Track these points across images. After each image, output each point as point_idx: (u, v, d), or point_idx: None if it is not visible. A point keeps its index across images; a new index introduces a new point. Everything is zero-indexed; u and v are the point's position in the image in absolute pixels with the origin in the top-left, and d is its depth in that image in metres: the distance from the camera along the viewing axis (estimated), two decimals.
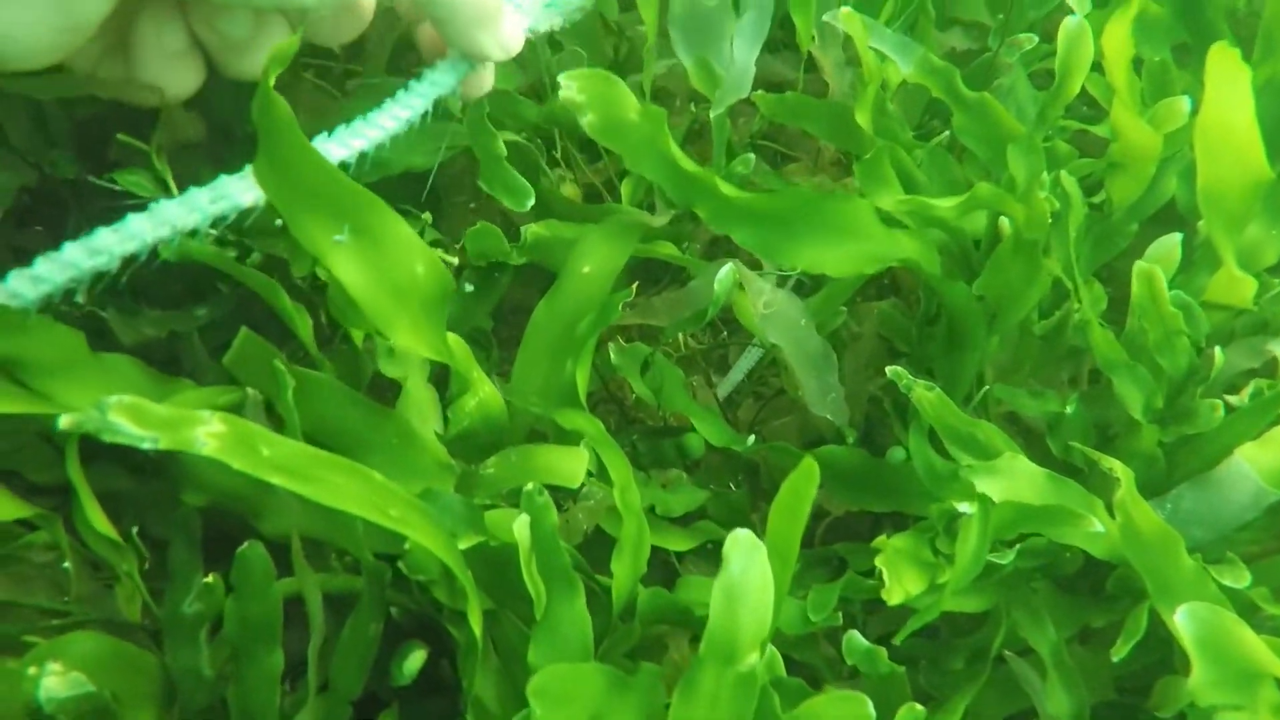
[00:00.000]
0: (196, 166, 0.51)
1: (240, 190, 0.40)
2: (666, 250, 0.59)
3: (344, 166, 0.42)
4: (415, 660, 0.47)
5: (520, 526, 0.41)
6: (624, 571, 0.46)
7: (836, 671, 0.54)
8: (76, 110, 0.53)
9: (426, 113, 0.46)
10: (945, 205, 0.51)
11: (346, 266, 0.42)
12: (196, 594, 0.46)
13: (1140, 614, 0.50)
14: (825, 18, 0.59)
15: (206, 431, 0.34)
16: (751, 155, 0.62)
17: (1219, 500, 0.53)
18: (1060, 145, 0.63)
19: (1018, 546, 0.51)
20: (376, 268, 0.42)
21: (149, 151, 0.51)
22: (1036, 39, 0.67)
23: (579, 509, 0.51)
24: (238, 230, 0.53)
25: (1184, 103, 0.59)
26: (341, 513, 0.37)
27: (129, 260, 0.39)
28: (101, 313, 0.51)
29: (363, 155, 0.44)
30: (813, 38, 0.65)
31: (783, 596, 0.42)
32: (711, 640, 0.39)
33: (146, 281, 0.55)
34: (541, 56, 0.65)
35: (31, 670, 0.38)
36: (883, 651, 0.48)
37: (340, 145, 0.43)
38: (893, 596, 0.47)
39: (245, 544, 0.45)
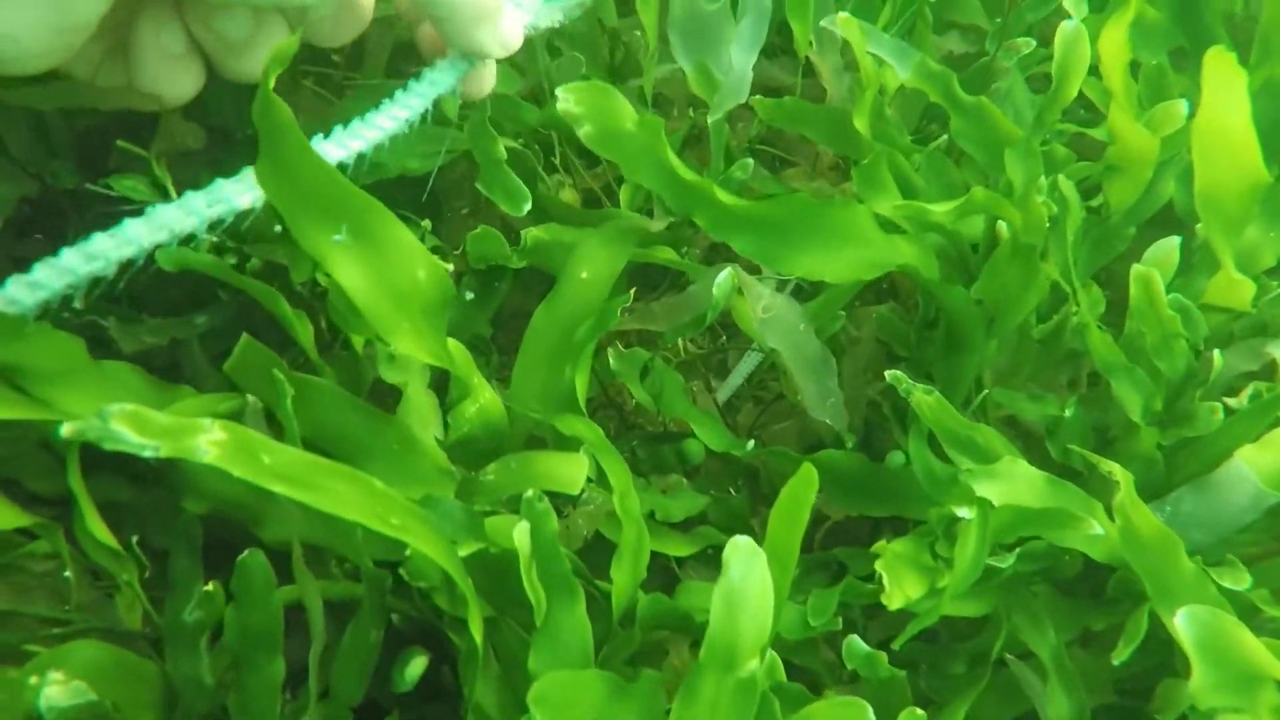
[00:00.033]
0: (196, 174, 0.51)
1: (237, 193, 0.40)
2: (665, 255, 0.59)
3: (342, 168, 0.42)
4: (416, 667, 0.47)
5: (520, 533, 0.41)
6: (624, 578, 0.46)
7: (837, 676, 0.54)
8: (77, 120, 0.54)
9: (426, 112, 0.46)
10: (941, 210, 0.51)
11: (347, 271, 0.42)
12: (197, 602, 0.46)
13: (1140, 617, 0.50)
14: (823, 23, 0.59)
15: (207, 439, 0.34)
16: (750, 160, 0.63)
17: (1218, 503, 0.53)
18: (1058, 149, 0.63)
19: (1017, 550, 0.51)
20: (377, 272, 0.42)
21: (149, 159, 0.51)
22: (1034, 43, 0.68)
23: (579, 514, 0.51)
24: (236, 236, 0.53)
25: (1181, 106, 0.59)
26: (342, 520, 0.37)
27: (126, 265, 0.39)
28: (102, 321, 0.51)
29: (361, 156, 0.44)
30: (810, 43, 0.66)
31: (782, 602, 0.42)
32: (711, 646, 0.39)
33: (147, 289, 0.55)
34: (540, 61, 0.65)
35: (33, 679, 0.38)
36: (883, 656, 0.48)
37: (338, 146, 0.43)
38: (893, 601, 0.47)
39: (246, 552, 0.45)
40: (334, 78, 0.64)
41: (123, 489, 0.49)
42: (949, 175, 0.62)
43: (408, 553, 0.44)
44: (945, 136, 0.62)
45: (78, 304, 0.39)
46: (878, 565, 0.48)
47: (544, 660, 0.42)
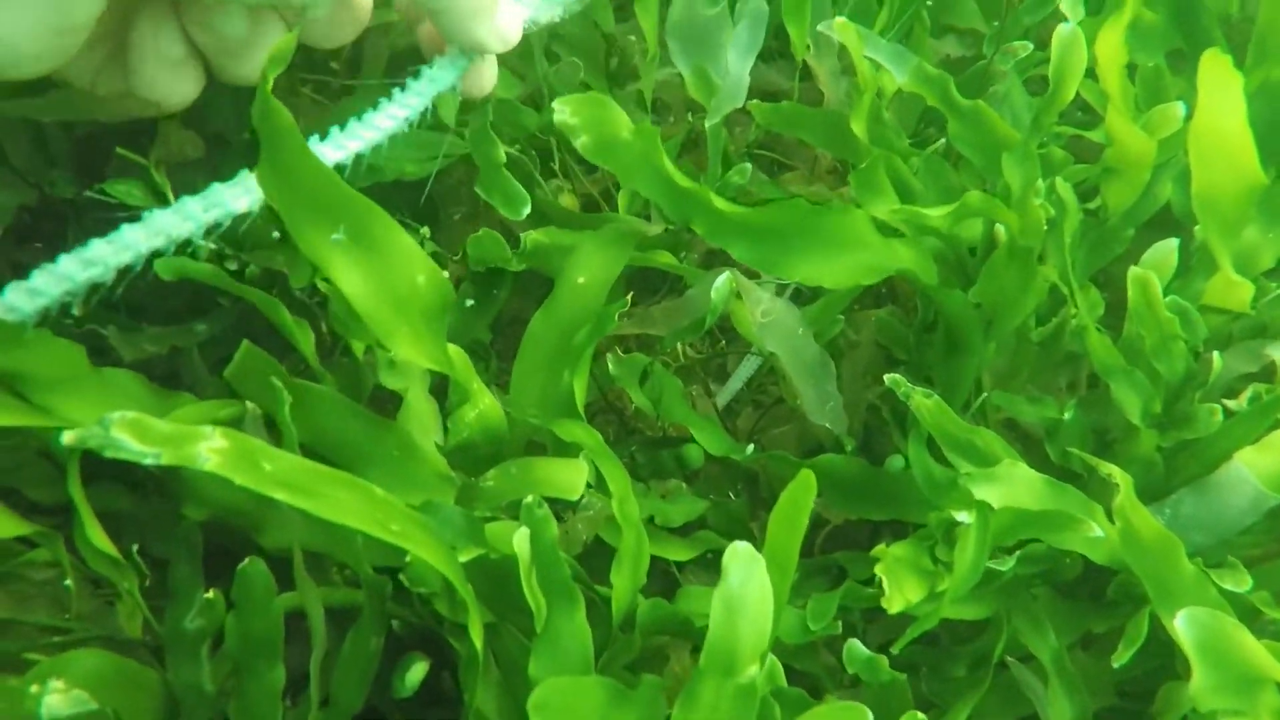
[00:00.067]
0: (194, 181, 0.51)
1: (233, 197, 0.40)
2: (664, 259, 0.59)
3: (341, 169, 0.42)
4: (417, 672, 0.47)
5: (520, 540, 0.41)
6: (623, 583, 0.46)
7: (837, 680, 0.54)
8: (76, 129, 0.54)
9: (426, 111, 0.45)
10: (936, 214, 0.52)
11: (347, 276, 0.42)
12: (198, 610, 0.46)
13: (1141, 619, 0.50)
14: (820, 28, 0.59)
15: (208, 447, 0.34)
16: (748, 165, 0.63)
17: (1218, 505, 0.53)
18: (1055, 151, 0.63)
19: (1018, 553, 0.51)
20: (377, 277, 0.42)
21: (147, 166, 0.51)
22: (1031, 46, 0.68)
23: (578, 519, 0.51)
24: (234, 243, 0.53)
25: (1178, 108, 0.59)
26: (342, 527, 0.37)
27: (124, 271, 0.39)
28: (102, 330, 0.51)
29: (359, 158, 0.43)
30: (808, 47, 0.66)
31: (782, 606, 0.42)
32: (711, 652, 0.39)
33: (146, 297, 0.55)
34: (539, 67, 0.66)
35: (33, 688, 0.38)
36: (883, 659, 0.48)
37: (336, 148, 0.43)
38: (893, 605, 0.47)
39: (246, 560, 0.45)
40: (332, 85, 0.64)
41: (123, 497, 0.49)
42: (947, 179, 0.62)
43: (408, 559, 0.45)
44: (943, 140, 0.62)
45: (76, 311, 0.39)
46: (877, 569, 0.48)
47: (544, 666, 0.42)
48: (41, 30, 0.38)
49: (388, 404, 0.55)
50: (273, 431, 0.48)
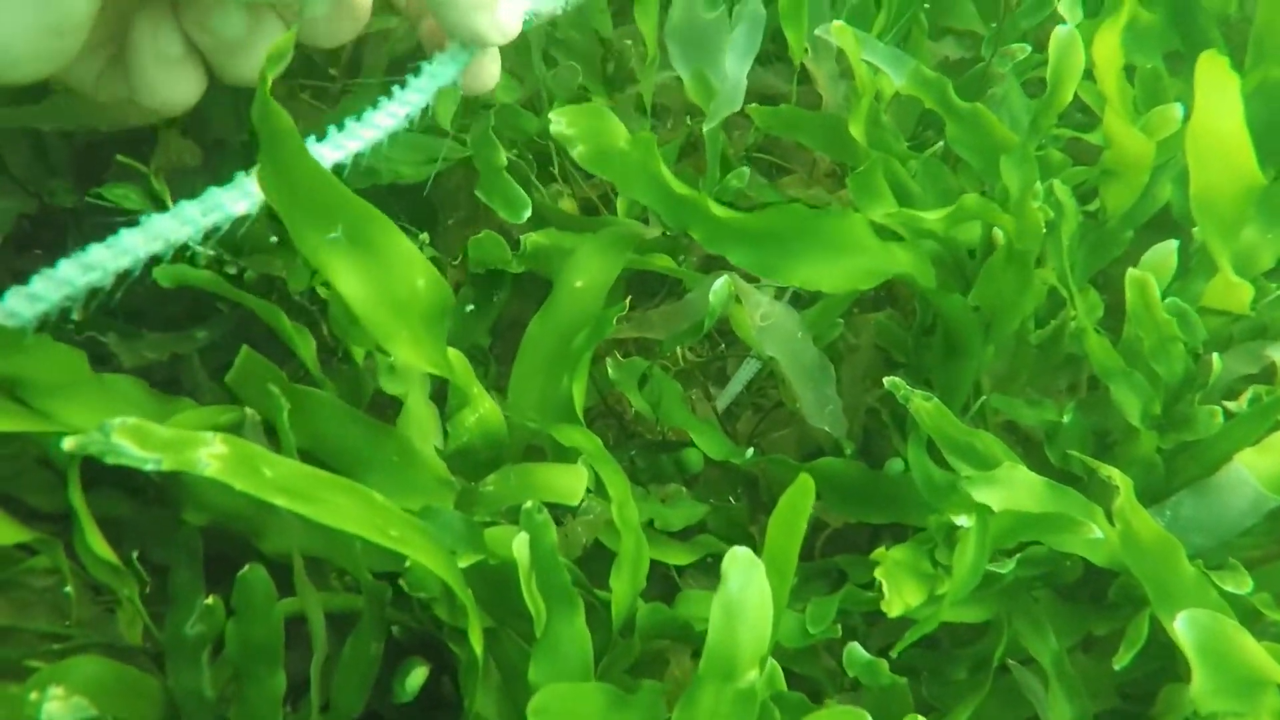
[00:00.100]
0: (192, 189, 0.52)
1: (232, 201, 0.40)
2: (663, 263, 0.59)
3: (340, 169, 0.42)
4: (417, 677, 0.47)
5: (520, 545, 0.41)
6: (623, 588, 0.46)
7: (838, 684, 0.54)
8: (75, 138, 0.54)
9: (427, 109, 0.45)
10: (933, 217, 0.52)
11: (347, 279, 0.42)
12: (198, 616, 0.46)
13: (1141, 622, 0.50)
14: (817, 31, 0.59)
15: (209, 453, 0.34)
16: (746, 169, 0.63)
17: (1219, 507, 0.53)
18: (1054, 154, 0.63)
19: (1018, 556, 0.51)
20: (377, 281, 0.42)
21: (147, 174, 0.51)
22: (1029, 48, 0.68)
23: (578, 523, 0.51)
24: (232, 248, 0.53)
25: (1176, 109, 0.59)
26: (341, 532, 0.37)
27: (123, 276, 0.39)
28: (102, 337, 0.51)
29: (358, 156, 0.43)
30: (806, 50, 0.66)
31: (781, 611, 0.42)
32: (711, 658, 0.39)
33: (146, 304, 0.55)
34: (537, 71, 0.66)
35: (33, 695, 0.38)
36: (884, 663, 0.48)
37: (335, 148, 0.42)
38: (892, 608, 0.47)
39: (247, 567, 0.45)
40: (331, 90, 0.64)
41: (122, 504, 0.49)
42: (945, 182, 0.62)
43: (407, 564, 0.45)
44: (941, 143, 0.62)
45: (76, 316, 0.39)
46: (877, 573, 0.48)
47: (544, 671, 0.42)
48: (36, 31, 0.37)
49: (387, 409, 0.55)
50: (272, 437, 0.48)
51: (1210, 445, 0.55)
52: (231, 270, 0.54)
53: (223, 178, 0.41)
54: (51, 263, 0.38)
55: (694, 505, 0.57)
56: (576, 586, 0.44)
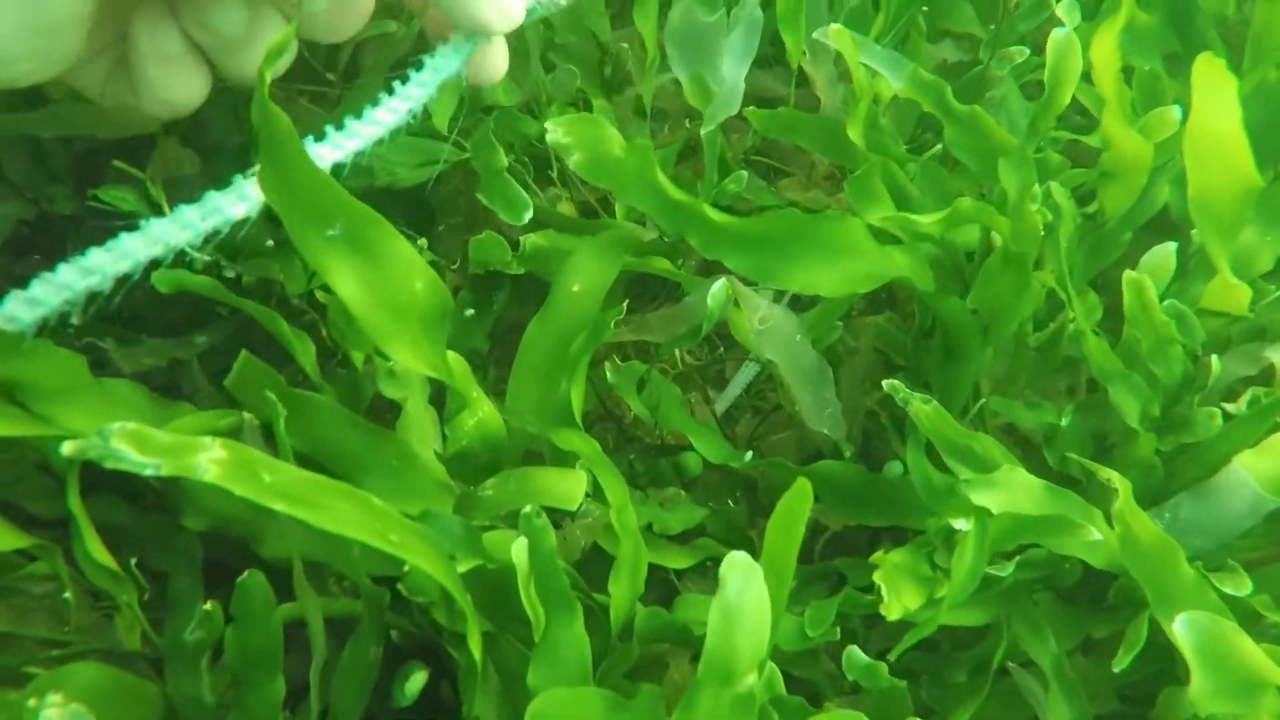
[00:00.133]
0: (190, 196, 0.52)
1: (231, 204, 0.40)
2: (661, 266, 0.59)
3: (340, 168, 0.42)
4: (416, 682, 0.47)
5: (518, 550, 0.41)
6: (621, 592, 0.46)
7: (838, 687, 0.54)
8: (74, 144, 0.54)
9: (426, 109, 0.44)
10: (928, 221, 0.52)
11: (345, 282, 0.42)
12: (198, 622, 0.46)
13: (1141, 624, 0.50)
14: (815, 35, 0.59)
15: (208, 458, 0.34)
16: (744, 172, 0.63)
17: (1218, 509, 0.53)
18: (1052, 156, 0.63)
19: (1017, 558, 0.51)
20: (375, 284, 0.42)
21: (144, 180, 0.51)
22: (1028, 51, 0.68)
23: (577, 526, 0.51)
24: (229, 252, 0.53)
25: (1174, 112, 0.59)
26: (340, 537, 0.37)
27: (122, 281, 0.39)
28: (101, 343, 0.51)
29: (359, 155, 0.42)
30: (804, 53, 0.66)
31: (780, 615, 0.42)
32: (709, 662, 0.39)
33: (145, 309, 0.55)
34: (534, 74, 0.66)
35: (31, 702, 0.38)
36: (883, 666, 0.48)
37: (334, 148, 0.42)
38: (891, 612, 0.47)
39: (245, 574, 0.45)
40: (329, 95, 0.64)
41: (121, 511, 0.49)
42: (944, 184, 0.62)
43: (406, 568, 0.45)
44: (940, 145, 0.62)
45: (75, 320, 0.39)
46: (876, 576, 0.48)
47: (543, 676, 0.42)
48: (19, 30, 0.37)
49: (386, 413, 0.55)
50: (271, 441, 0.48)
51: (1209, 447, 0.55)
52: (230, 274, 0.54)
53: (221, 182, 0.41)
54: (50, 268, 0.38)
55: (693, 509, 0.57)
56: (575, 591, 0.44)
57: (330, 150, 0.42)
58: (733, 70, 0.60)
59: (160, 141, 0.52)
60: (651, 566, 0.49)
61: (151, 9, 0.42)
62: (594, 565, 0.49)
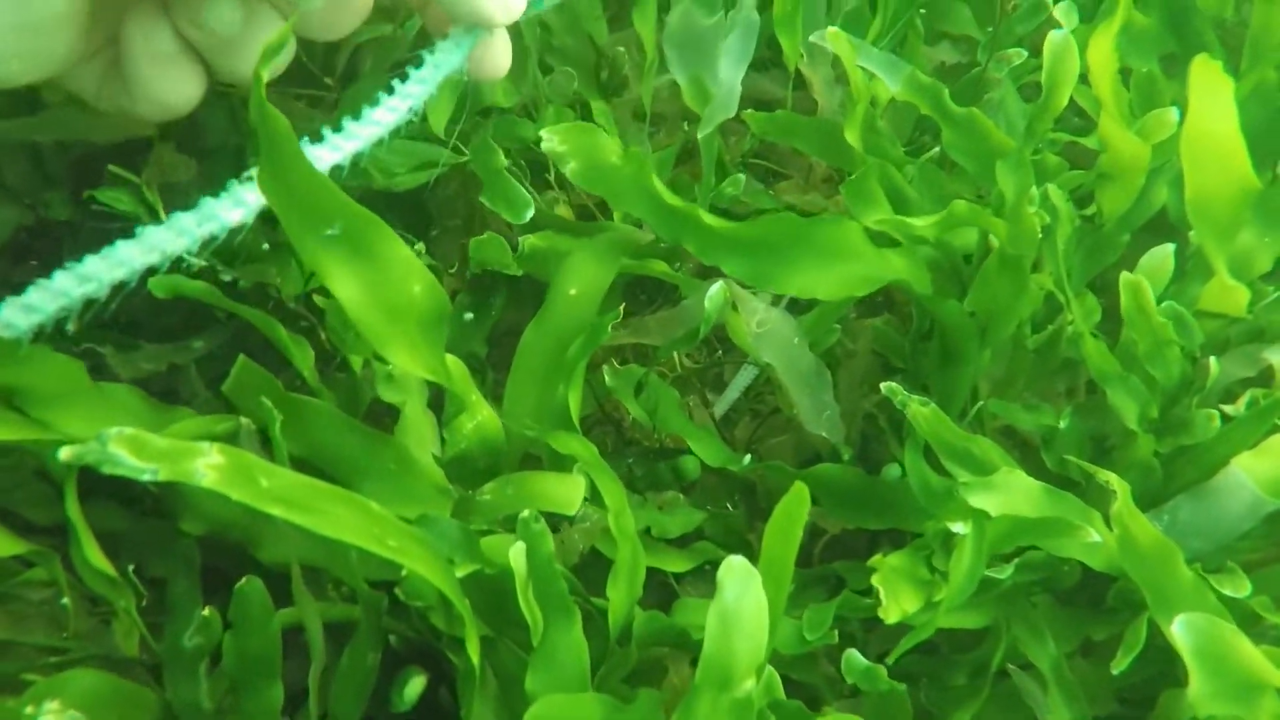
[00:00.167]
0: (185, 200, 0.52)
1: (226, 210, 0.39)
2: (659, 268, 0.59)
3: (338, 169, 0.41)
4: (415, 687, 0.47)
5: (516, 554, 0.41)
6: (619, 597, 0.46)
7: (837, 690, 0.54)
8: (72, 150, 0.54)
9: (424, 112, 0.44)
10: (922, 224, 0.52)
11: (343, 284, 0.41)
12: (196, 627, 0.46)
13: (1140, 626, 0.50)
14: (812, 38, 0.59)
15: (206, 463, 0.34)
16: (741, 175, 0.63)
17: (1216, 510, 0.53)
18: (1049, 158, 0.63)
19: (1016, 561, 0.51)
20: (373, 286, 0.42)
21: (139, 184, 0.51)
22: (1025, 53, 0.68)
23: (575, 530, 0.51)
24: (225, 257, 0.53)
25: (1172, 113, 0.59)
26: (338, 542, 0.37)
27: (119, 288, 0.39)
28: (100, 349, 0.51)
29: (357, 157, 0.42)
30: (801, 55, 0.66)
31: (778, 619, 0.42)
32: (707, 667, 0.39)
33: (142, 315, 0.55)
34: (533, 78, 0.66)
35: (29, 709, 0.38)
36: (882, 670, 0.48)
37: (333, 150, 0.41)
38: (889, 615, 0.47)
39: (243, 580, 0.45)
40: (327, 99, 0.64)
41: (119, 517, 0.49)
42: (942, 187, 0.62)
43: (403, 573, 0.45)
44: (938, 148, 0.62)
45: (71, 327, 0.39)
46: (874, 580, 0.48)
47: (541, 681, 0.42)
48: (7, 29, 0.37)
49: (385, 417, 0.55)
50: (269, 446, 0.48)
51: (1208, 449, 0.55)
52: (226, 277, 0.54)
53: (217, 186, 0.41)
54: (48, 274, 0.38)
55: (691, 512, 0.57)
56: (573, 595, 0.44)
57: (329, 152, 0.41)
58: (729, 73, 0.60)
59: (156, 147, 0.52)
60: (650, 570, 0.49)
61: (144, 8, 0.42)
62: (592, 569, 0.49)
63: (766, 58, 0.72)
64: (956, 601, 0.47)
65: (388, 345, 0.44)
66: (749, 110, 0.62)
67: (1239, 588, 0.50)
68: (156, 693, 0.46)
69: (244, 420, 0.47)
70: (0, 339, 0.38)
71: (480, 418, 0.50)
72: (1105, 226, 0.62)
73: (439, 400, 0.53)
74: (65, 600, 0.45)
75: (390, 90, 0.43)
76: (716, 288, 0.53)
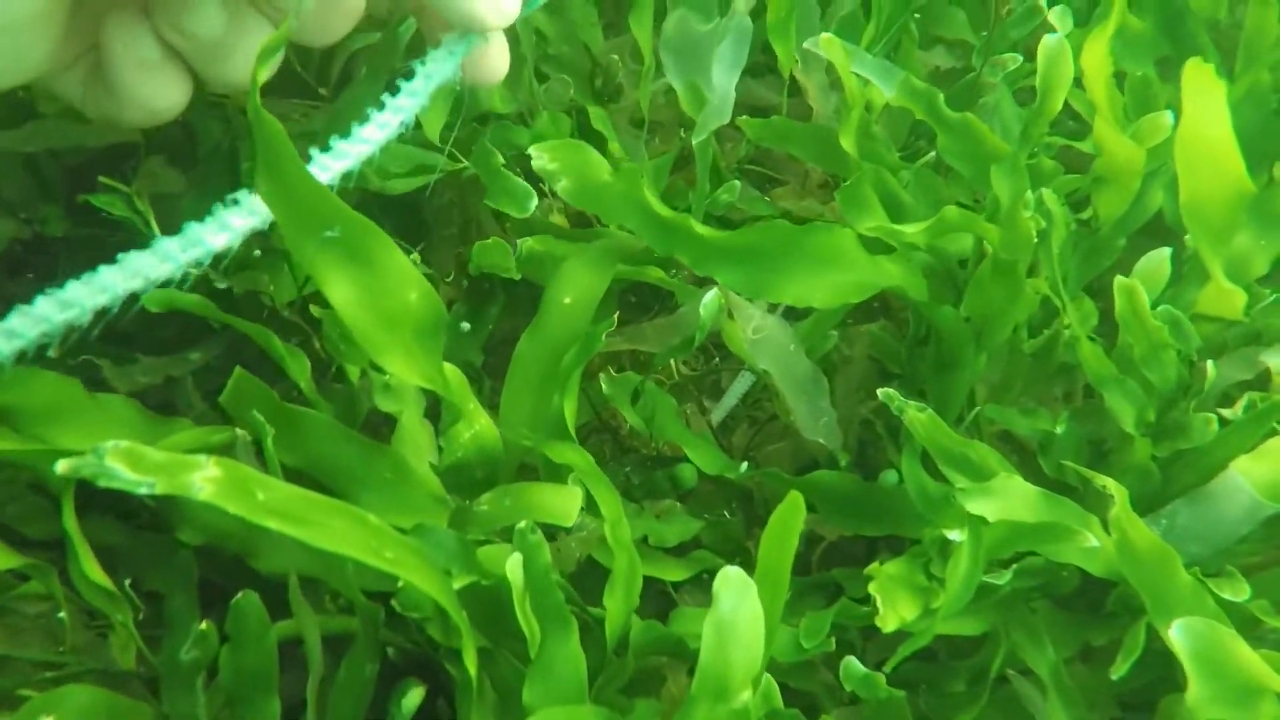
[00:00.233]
0: (177, 208, 0.52)
1: (211, 234, 0.39)
2: (655, 275, 0.59)
3: (330, 187, 0.41)
4: (413, 698, 0.47)
5: (513, 566, 0.41)
6: (616, 607, 0.46)
7: (836, 698, 0.54)
8: (65, 159, 0.54)
9: (418, 119, 0.44)
10: (914, 230, 0.52)
11: (340, 291, 0.41)
12: (193, 641, 0.46)
13: (1139, 631, 0.50)
14: (806, 45, 0.59)
15: (203, 476, 0.34)
16: (736, 182, 0.63)
17: (1214, 514, 0.53)
18: (1045, 162, 0.63)
19: (1014, 566, 0.51)
20: (369, 294, 0.42)
21: (130, 194, 0.51)
22: (1020, 58, 0.68)
23: (572, 539, 0.51)
24: (215, 263, 0.53)
25: (1166, 116, 0.59)
26: (335, 554, 0.37)
27: (101, 314, 0.38)
28: (97, 361, 0.51)
29: (346, 176, 0.41)
30: (796, 62, 0.66)
31: (775, 627, 0.42)
32: (703, 679, 0.39)
33: (137, 327, 0.55)
34: (527, 83, 0.66)
35: None
36: (880, 677, 0.48)
37: (322, 170, 0.41)
38: (887, 623, 0.47)
39: (240, 594, 0.45)
40: (321, 109, 0.64)
41: (116, 531, 0.49)
42: (937, 192, 0.62)
43: (400, 584, 0.44)
44: (933, 153, 0.62)
45: (53, 353, 0.39)
46: (871, 587, 0.48)
47: (539, 692, 0.42)
48: None
49: (383, 427, 0.55)
50: (264, 457, 0.48)
51: (1205, 453, 0.55)
52: (220, 286, 0.54)
53: (210, 193, 0.41)
54: (43, 288, 0.38)
55: (689, 520, 0.57)
56: (570, 605, 0.44)
57: (319, 173, 0.41)
58: (723, 80, 0.60)
59: (145, 158, 0.52)
60: (648, 579, 0.49)
61: (124, 13, 0.41)
62: (589, 578, 0.49)
63: (761, 64, 0.72)
64: (954, 608, 0.47)
65: (384, 353, 0.44)
66: (744, 116, 0.62)
67: (1238, 592, 0.50)
68: (153, 706, 0.46)
69: (239, 432, 0.47)
70: None
71: (478, 427, 0.50)
72: (1101, 230, 0.62)
73: (436, 410, 0.53)
74: (62, 614, 0.45)
75: (381, 106, 0.42)
76: (711, 295, 0.53)
